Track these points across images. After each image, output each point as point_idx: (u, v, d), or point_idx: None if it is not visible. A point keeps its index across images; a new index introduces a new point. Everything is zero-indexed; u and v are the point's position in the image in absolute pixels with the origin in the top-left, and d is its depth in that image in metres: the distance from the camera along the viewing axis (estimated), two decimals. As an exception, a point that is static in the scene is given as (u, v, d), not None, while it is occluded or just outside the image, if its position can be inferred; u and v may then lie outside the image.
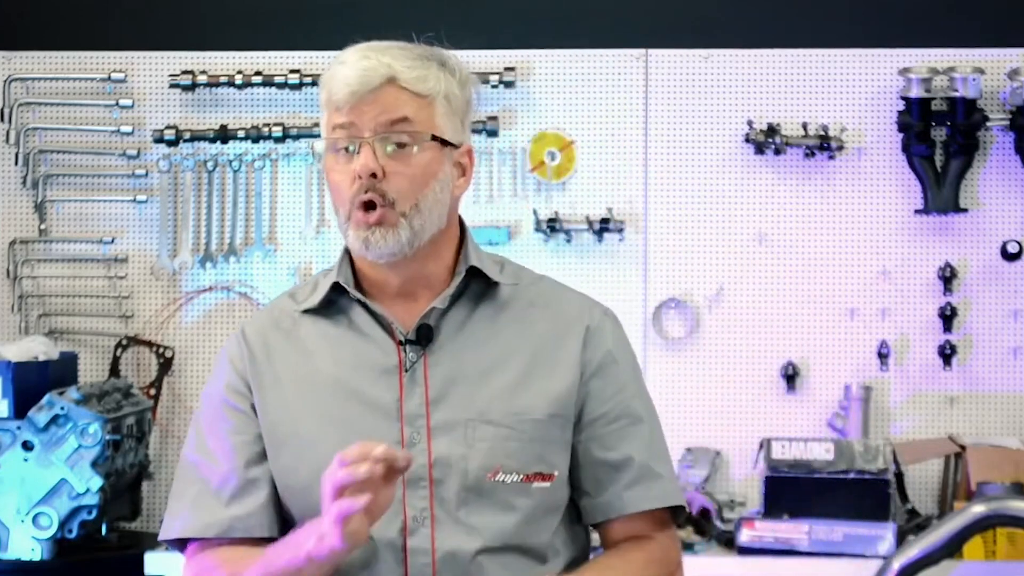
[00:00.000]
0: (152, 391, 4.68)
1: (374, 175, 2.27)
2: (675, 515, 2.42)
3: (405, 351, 2.31)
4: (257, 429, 2.35)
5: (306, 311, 2.40)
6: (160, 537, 2.42)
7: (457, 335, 2.33)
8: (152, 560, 4.22)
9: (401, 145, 2.29)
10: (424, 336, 2.31)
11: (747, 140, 4.62)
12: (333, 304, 2.39)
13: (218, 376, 2.40)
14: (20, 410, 4.19)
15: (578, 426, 2.35)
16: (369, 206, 2.28)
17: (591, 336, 2.37)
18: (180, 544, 2.41)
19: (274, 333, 2.39)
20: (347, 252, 2.41)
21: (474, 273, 2.37)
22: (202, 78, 4.68)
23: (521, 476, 2.28)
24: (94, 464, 4.14)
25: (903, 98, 4.57)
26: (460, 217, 2.43)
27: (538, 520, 2.30)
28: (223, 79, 4.68)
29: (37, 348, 4.38)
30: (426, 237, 2.31)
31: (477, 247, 2.42)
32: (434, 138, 2.31)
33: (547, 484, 2.30)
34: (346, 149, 2.30)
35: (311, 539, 2.16)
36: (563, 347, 2.35)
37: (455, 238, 2.40)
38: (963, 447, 4.44)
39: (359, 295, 2.36)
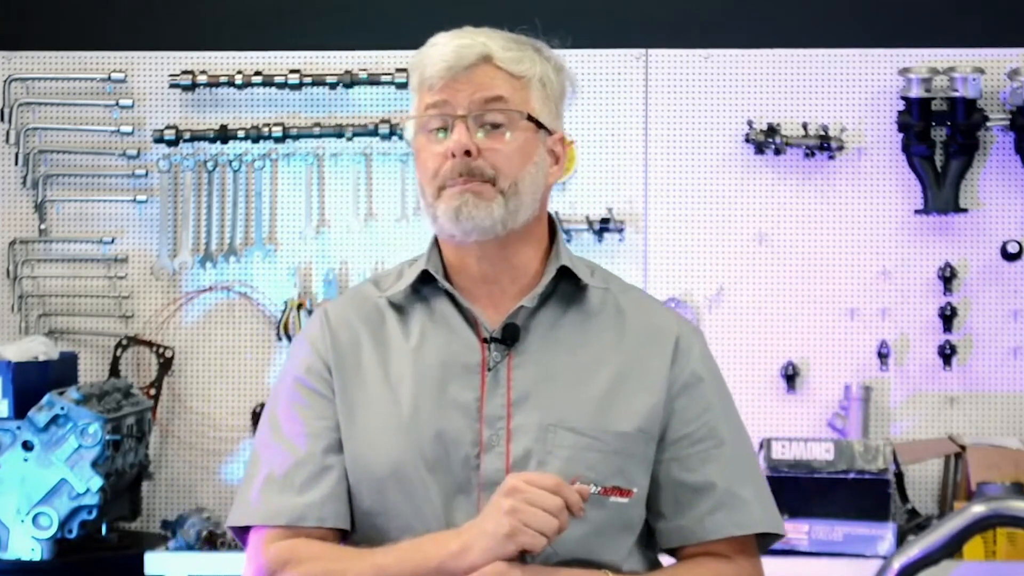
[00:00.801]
0: (152, 391, 4.68)
1: (468, 153, 2.19)
2: (765, 540, 2.31)
3: (489, 349, 2.24)
4: (336, 415, 2.25)
5: (390, 300, 2.30)
6: (228, 523, 2.29)
7: (545, 337, 2.25)
8: (152, 560, 4.22)
9: (495, 126, 2.21)
10: (510, 336, 2.23)
11: (747, 140, 4.62)
12: (418, 293, 2.30)
13: (297, 358, 2.30)
14: (20, 410, 4.19)
15: (660, 445, 2.26)
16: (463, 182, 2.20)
17: (679, 352, 2.28)
18: (241, 532, 2.28)
19: (357, 320, 2.30)
20: (436, 241, 2.31)
21: (563, 273, 2.29)
22: (202, 78, 4.68)
23: (599, 488, 2.20)
24: (94, 464, 4.14)
25: (903, 98, 4.57)
26: (550, 213, 2.34)
27: (610, 536, 2.22)
28: (223, 79, 4.68)
29: (37, 348, 4.38)
30: (519, 221, 2.23)
31: (567, 247, 2.33)
32: (530, 119, 2.23)
33: (624, 500, 2.22)
34: (438, 131, 2.22)
35: (446, 549, 2.11)
36: (652, 361, 2.27)
37: (544, 230, 2.31)
38: (963, 447, 4.44)
39: (447, 285, 2.27)
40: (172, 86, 4.70)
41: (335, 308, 2.32)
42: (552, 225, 2.34)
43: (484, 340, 2.24)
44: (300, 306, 4.67)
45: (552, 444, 2.20)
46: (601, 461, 2.20)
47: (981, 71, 4.53)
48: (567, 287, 2.29)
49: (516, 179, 2.21)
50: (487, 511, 2.12)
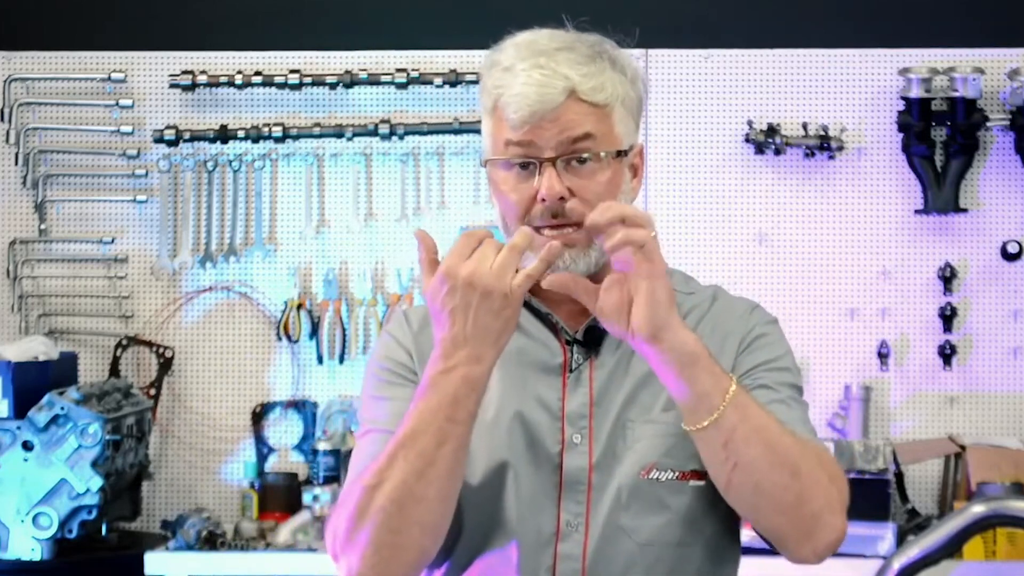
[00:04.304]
0: (152, 391, 4.68)
1: (562, 198, 2.16)
2: None
3: (572, 352, 2.23)
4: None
5: None
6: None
7: (622, 344, 2.21)
8: (152, 560, 4.22)
9: (582, 160, 2.19)
10: (593, 339, 2.22)
11: (747, 140, 4.62)
12: None
13: (378, 351, 2.27)
14: (20, 410, 4.19)
15: None
16: (557, 228, 2.16)
17: (748, 329, 2.29)
18: None
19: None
20: None
21: None
22: (202, 78, 4.68)
23: (677, 473, 2.18)
24: (94, 464, 4.14)
25: (903, 98, 4.57)
26: None
27: (692, 522, 2.21)
28: (223, 79, 4.68)
29: (37, 348, 4.38)
30: None
31: None
32: (617, 153, 2.22)
33: (703, 483, 2.18)
34: (520, 165, 2.20)
35: (458, 375, 2.05)
36: (723, 354, 2.23)
37: None
38: (963, 447, 4.44)
39: (527, 296, 2.20)
40: (172, 86, 4.70)
41: (415, 313, 2.29)
42: None
43: (567, 342, 2.23)
44: (300, 306, 4.67)
45: (631, 439, 2.19)
46: (675, 445, 2.18)
47: (981, 71, 4.53)
48: None
49: None
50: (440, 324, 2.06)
